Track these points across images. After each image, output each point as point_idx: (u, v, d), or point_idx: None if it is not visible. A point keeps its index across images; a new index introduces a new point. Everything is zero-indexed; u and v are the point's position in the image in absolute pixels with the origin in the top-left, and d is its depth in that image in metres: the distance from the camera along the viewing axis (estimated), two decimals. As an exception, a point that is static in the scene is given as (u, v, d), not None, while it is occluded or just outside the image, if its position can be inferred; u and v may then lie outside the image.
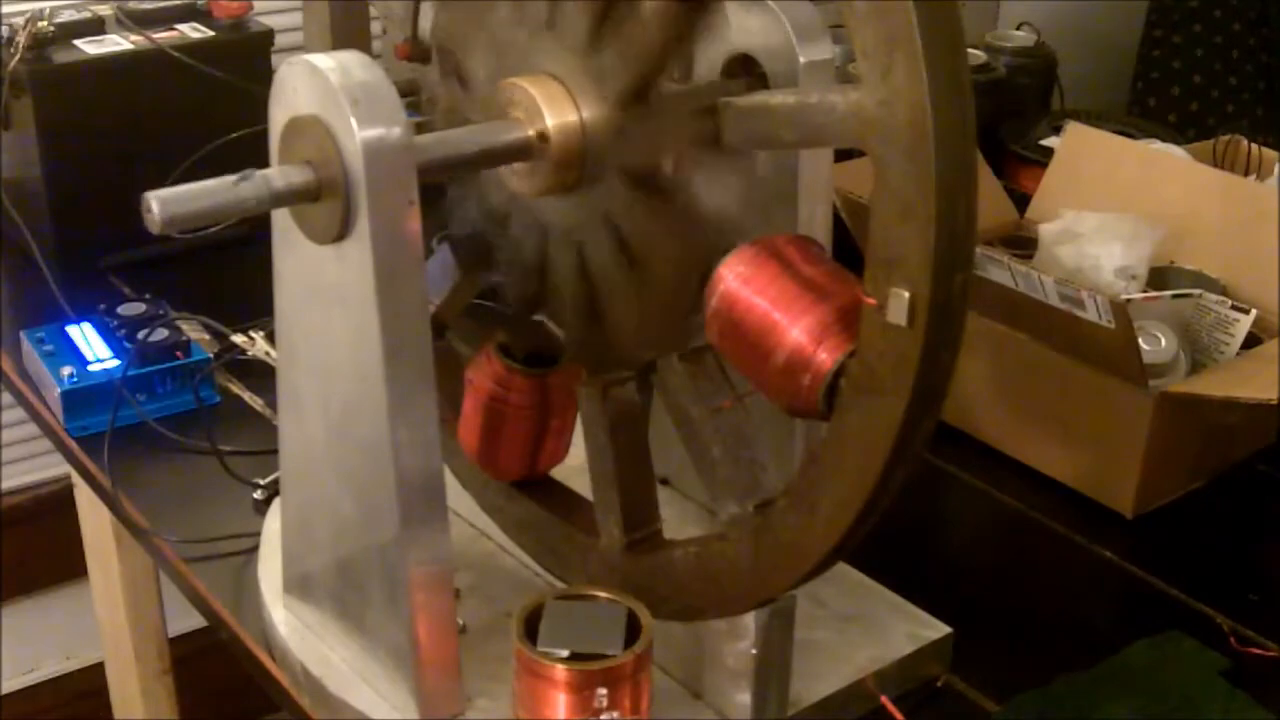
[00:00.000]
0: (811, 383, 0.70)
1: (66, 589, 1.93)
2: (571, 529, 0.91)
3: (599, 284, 0.83)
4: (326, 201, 0.75)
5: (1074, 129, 1.43)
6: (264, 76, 1.33)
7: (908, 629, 0.95)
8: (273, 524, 1.02)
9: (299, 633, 0.92)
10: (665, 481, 1.02)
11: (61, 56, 1.38)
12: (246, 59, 1.45)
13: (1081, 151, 1.39)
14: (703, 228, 0.78)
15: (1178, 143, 1.54)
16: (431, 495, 0.81)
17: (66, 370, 1.19)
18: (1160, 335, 1.15)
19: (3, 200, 1.44)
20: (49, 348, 1.24)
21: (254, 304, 1.13)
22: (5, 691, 1.98)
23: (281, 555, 0.94)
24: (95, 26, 1.44)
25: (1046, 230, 1.28)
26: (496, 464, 0.94)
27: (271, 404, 1.17)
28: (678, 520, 0.96)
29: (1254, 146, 1.43)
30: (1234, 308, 1.19)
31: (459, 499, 0.98)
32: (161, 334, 1.22)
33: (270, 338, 1.23)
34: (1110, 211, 1.26)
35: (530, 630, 0.79)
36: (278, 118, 0.78)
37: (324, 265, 0.78)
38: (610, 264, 0.82)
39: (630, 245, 0.80)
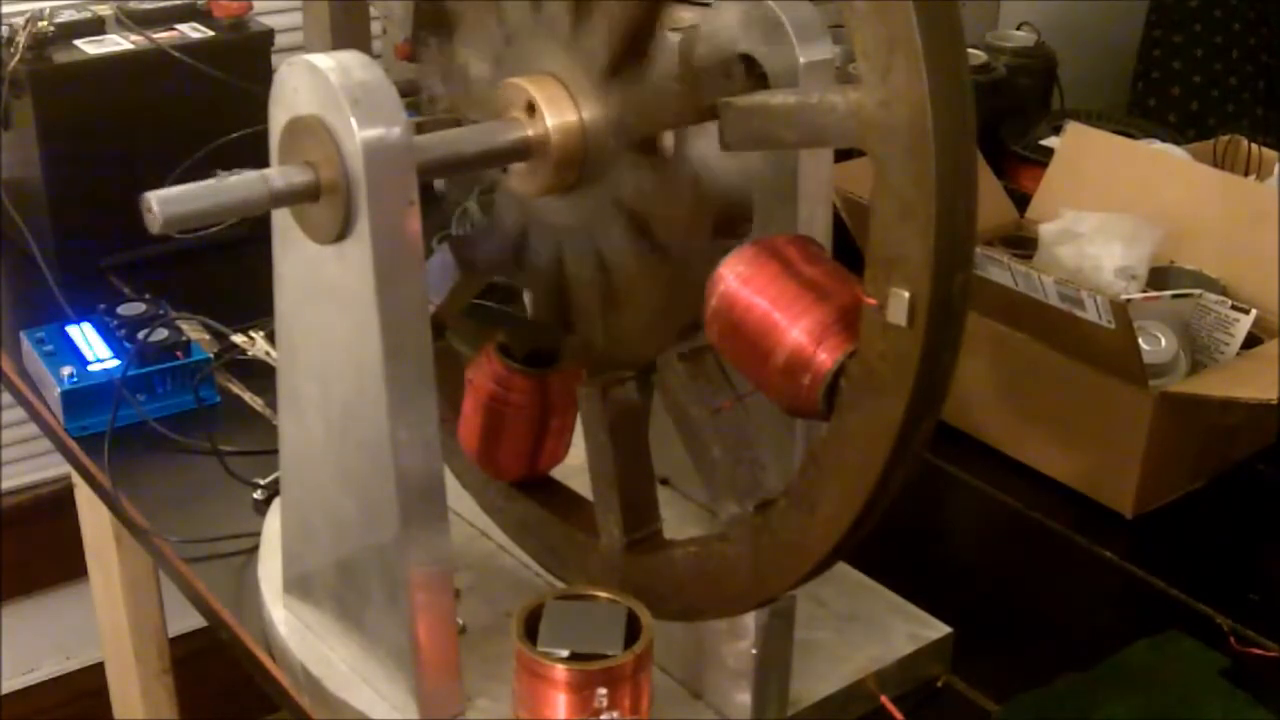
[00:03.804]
0: (811, 383, 0.70)
1: (66, 589, 1.93)
2: (571, 529, 0.91)
3: (615, 273, 0.83)
4: (327, 201, 0.75)
5: (1074, 129, 1.43)
6: (264, 76, 1.33)
7: (908, 629, 0.95)
8: (273, 524, 1.02)
9: (299, 633, 0.92)
10: (665, 481, 1.02)
11: (61, 56, 1.38)
12: (246, 59, 1.45)
13: (1081, 151, 1.39)
14: (711, 193, 0.78)
15: (1178, 143, 1.54)
16: (431, 495, 0.81)
17: (66, 370, 1.19)
18: (1160, 335, 1.15)
19: (3, 200, 1.44)
20: (49, 348, 1.24)
21: (254, 304, 1.13)
22: (5, 691, 1.98)
23: (281, 555, 0.94)
24: (95, 26, 1.44)
25: (1046, 230, 1.28)
26: (496, 464, 0.94)
27: (271, 404, 1.17)
28: (678, 520, 0.96)
29: (1254, 146, 1.43)
30: (1234, 308, 1.19)
31: (459, 499, 0.98)
32: (161, 334, 1.22)
33: (270, 338, 1.23)
34: (1110, 211, 1.26)
35: (530, 630, 0.79)
36: (278, 118, 0.78)
37: (324, 265, 0.78)
38: (625, 249, 0.82)
39: (642, 222, 0.80)
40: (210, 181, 0.73)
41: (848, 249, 0.82)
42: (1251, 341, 1.18)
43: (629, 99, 0.78)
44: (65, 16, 1.42)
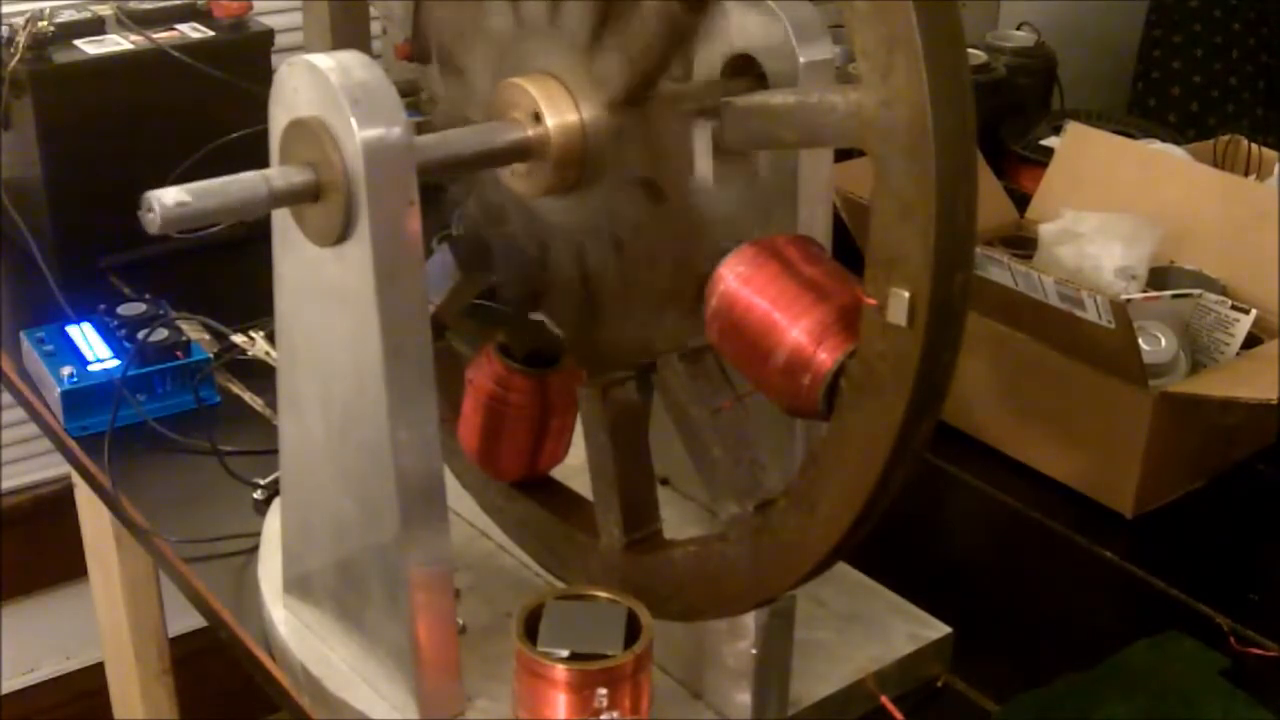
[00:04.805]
0: (811, 383, 0.70)
1: (66, 589, 1.93)
2: (571, 529, 0.91)
3: (598, 283, 0.83)
4: (327, 202, 0.75)
5: (1074, 129, 1.42)
6: (264, 76, 1.33)
7: (908, 629, 0.95)
8: (273, 524, 1.02)
9: (299, 633, 0.92)
10: (665, 481, 1.02)
11: (61, 56, 1.38)
12: (246, 59, 1.45)
13: (1081, 151, 1.39)
14: (702, 229, 0.78)
15: (1178, 143, 1.54)
16: (431, 495, 0.81)
17: (66, 370, 1.19)
18: (1160, 335, 1.15)
19: (3, 200, 1.44)
20: (49, 348, 1.24)
21: (254, 304, 1.13)
22: (5, 691, 1.98)
23: (281, 555, 0.94)
24: (95, 26, 1.44)
25: (1046, 230, 1.28)
26: (496, 464, 0.94)
27: (271, 404, 1.17)
28: (678, 520, 0.96)
29: (1254, 146, 1.43)
30: (1234, 308, 1.19)
31: (459, 499, 0.98)
32: (161, 334, 1.22)
33: (270, 338, 1.23)
34: (1110, 211, 1.26)
35: (530, 630, 0.79)
36: (278, 118, 0.78)
37: (324, 265, 0.78)
38: (609, 263, 0.82)
39: (628, 246, 0.80)
40: (210, 181, 0.73)
41: (848, 249, 0.82)
42: (1251, 341, 1.18)
43: (636, 134, 0.78)
44: (65, 16, 1.42)
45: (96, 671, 1.67)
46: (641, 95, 0.77)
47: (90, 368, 1.21)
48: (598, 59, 0.78)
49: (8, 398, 1.55)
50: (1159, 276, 1.24)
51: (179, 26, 1.46)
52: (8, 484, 1.86)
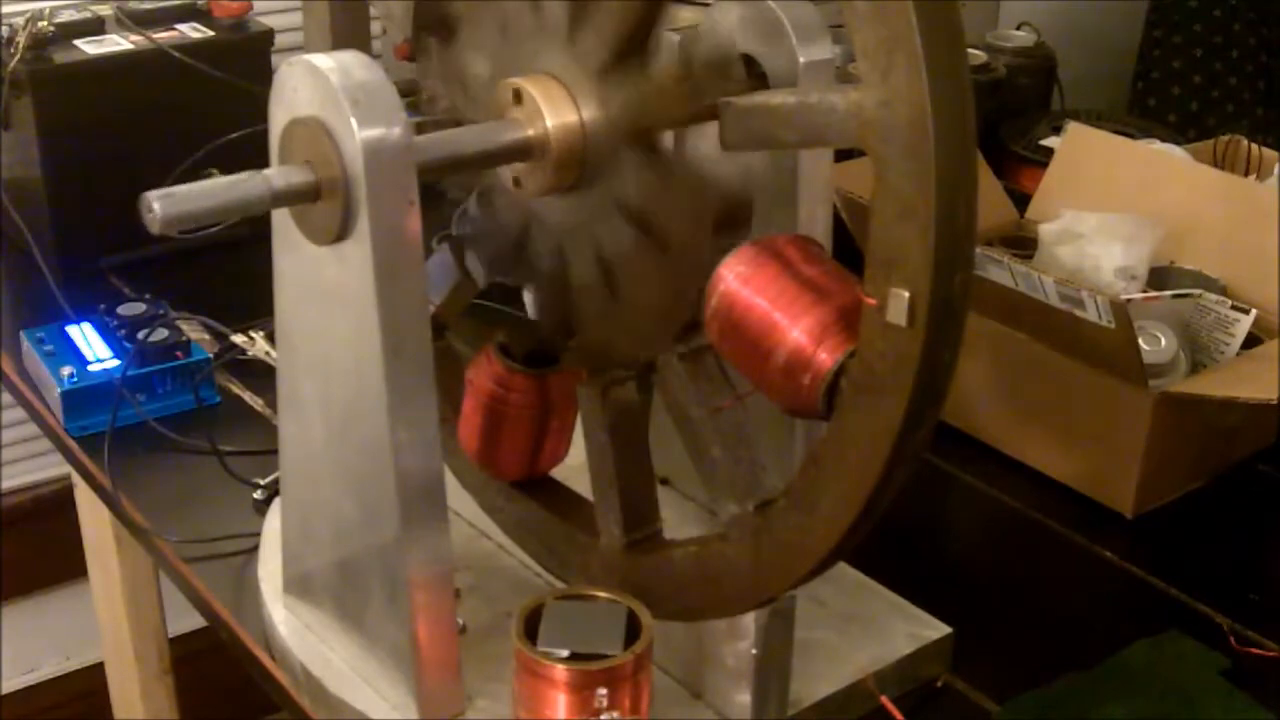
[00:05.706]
0: (811, 383, 0.70)
1: (66, 589, 1.93)
2: (571, 529, 0.91)
3: (598, 282, 0.83)
4: (326, 201, 0.75)
5: (1074, 129, 1.43)
6: (264, 76, 1.33)
7: (908, 629, 0.95)
8: (273, 524, 1.02)
9: (299, 633, 0.92)
10: (665, 481, 1.02)
11: (61, 56, 1.38)
12: (246, 59, 1.45)
13: (1081, 151, 1.39)
14: (711, 191, 0.78)
15: (1178, 143, 1.54)
16: (431, 495, 0.81)
17: (66, 370, 1.19)
18: (1160, 335, 1.15)
19: (3, 200, 1.44)
20: (49, 348, 1.24)
21: (254, 304, 1.13)
22: (5, 691, 1.98)
23: (281, 555, 0.94)
24: (95, 26, 1.44)
25: (1046, 230, 1.28)
26: (496, 464, 0.94)
27: (271, 404, 1.17)
28: (678, 520, 0.96)
29: (1254, 146, 1.43)
30: (1234, 308, 1.19)
31: (459, 499, 0.98)
32: (161, 334, 1.22)
33: (270, 338, 1.23)
34: (1110, 211, 1.26)
35: (530, 630, 0.79)
36: (278, 118, 0.78)
37: (324, 265, 0.78)
38: (610, 263, 0.82)
39: (644, 221, 0.80)
40: (210, 181, 0.73)
41: (848, 249, 0.82)
42: (1251, 341, 1.18)
43: (628, 98, 0.78)
44: (65, 16, 1.42)
45: (96, 671, 1.67)
46: (625, 56, 0.77)
47: (90, 368, 1.21)
48: (578, 41, 0.78)
49: (8, 398, 1.55)
50: (1159, 276, 1.24)
51: (179, 26, 1.46)
52: (8, 484, 1.86)
